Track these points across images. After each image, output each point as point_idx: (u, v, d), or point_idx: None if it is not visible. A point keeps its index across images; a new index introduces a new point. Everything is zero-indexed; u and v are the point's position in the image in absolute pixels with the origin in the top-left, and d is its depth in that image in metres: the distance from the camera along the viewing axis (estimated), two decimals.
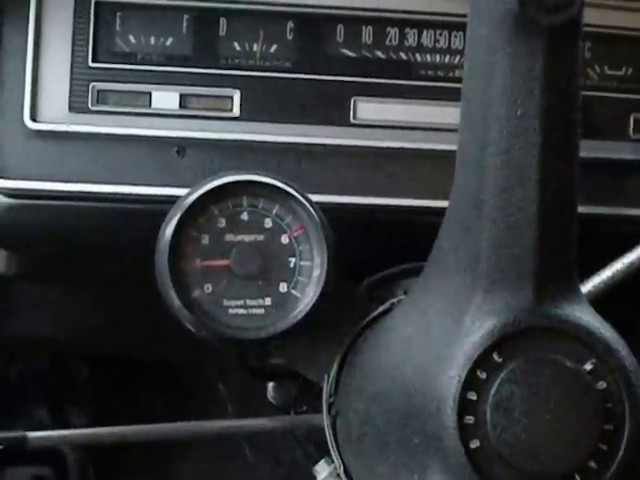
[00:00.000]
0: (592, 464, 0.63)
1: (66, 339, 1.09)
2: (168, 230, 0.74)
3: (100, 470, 1.32)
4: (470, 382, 0.63)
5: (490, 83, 0.63)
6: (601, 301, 0.78)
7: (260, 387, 1.07)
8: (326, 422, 0.77)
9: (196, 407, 1.28)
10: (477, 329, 0.64)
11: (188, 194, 0.76)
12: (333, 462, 0.77)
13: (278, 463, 1.34)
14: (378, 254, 0.91)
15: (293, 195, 0.76)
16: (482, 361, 0.63)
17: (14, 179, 0.88)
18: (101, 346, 1.12)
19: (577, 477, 0.63)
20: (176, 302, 0.74)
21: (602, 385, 0.64)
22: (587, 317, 0.66)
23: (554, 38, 0.60)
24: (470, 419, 0.63)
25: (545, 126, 0.62)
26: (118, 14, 0.90)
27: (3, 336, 1.08)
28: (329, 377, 0.77)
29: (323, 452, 0.82)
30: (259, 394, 1.07)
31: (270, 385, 1.03)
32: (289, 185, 0.76)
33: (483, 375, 0.63)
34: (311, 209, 0.76)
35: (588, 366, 0.64)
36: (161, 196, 0.88)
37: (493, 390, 0.63)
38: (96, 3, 0.89)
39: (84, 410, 1.31)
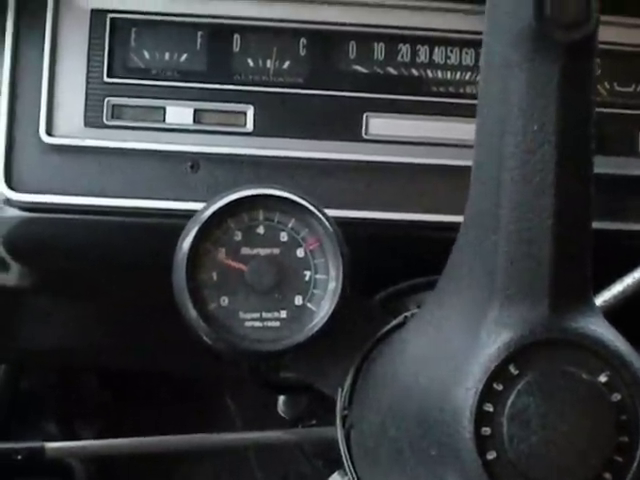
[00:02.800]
0: (607, 475, 0.63)
1: (76, 352, 1.09)
2: (185, 243, 0.75)
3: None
4: (487, 394, 0.64)
5: (506, 98, 0.64)
6: (613, 315, 0.78)
7: (269, 401, 1.07)
8: (340, 435, 0.77)
9: (207, 420, 1.28)
10: (493, 342, 0.65)
11: (205, 208, 0.76)
12: (346, 475, 0.78)
13: (286, 479, 1.35)
14: (391, 268, 0.92)
15: (309, 209, 0.77)
16: (498, 373, 0.64)
17: (29, 192, 0.89)
18: (111, 359, 1.13)
19: None
20: (193, 314, 0.75)
21: (617, 397, 0.65)
22: (602, 330, 0.66)
23: (570, 54, 0.61)
24: (487, 431, 0.63)
25: (561, 141, 0.63)
26: (133, 30, 0.91)
27: (13, 349, 1.08)
28: (343, 390, 0.78)
29: (332, 466, 0.83)
30: (268, 408, 1.07)
31: (281, 399, 1.03)
32: (305, 199, 0.77)
33: (499, 387, 0.64)
34: (327, 223, 0.77)
35: (603, 378, 0.65)
36: (174, 210, 0.89)
37: (509, 402, 0.63)
38: (111, 19, 0.90)
39: (93, 423, 1.32)
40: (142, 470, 1.31)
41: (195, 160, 0.90)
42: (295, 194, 0.77)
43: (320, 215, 0.77)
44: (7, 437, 1.05)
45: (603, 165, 0.90)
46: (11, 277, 0.95)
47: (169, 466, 1.36)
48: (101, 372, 1.31)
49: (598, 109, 0.91)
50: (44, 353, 1.09)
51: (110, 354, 1.10)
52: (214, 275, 0.76)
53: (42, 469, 1.22)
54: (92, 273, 0.96)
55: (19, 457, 0.77)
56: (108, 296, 1.00)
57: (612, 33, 0.93)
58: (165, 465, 1.36)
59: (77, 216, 0.90)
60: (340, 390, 0.78)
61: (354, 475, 0.77)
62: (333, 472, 0.82)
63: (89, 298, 1.01)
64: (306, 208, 0.77)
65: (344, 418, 0.78)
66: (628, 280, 0.83)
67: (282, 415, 1.03)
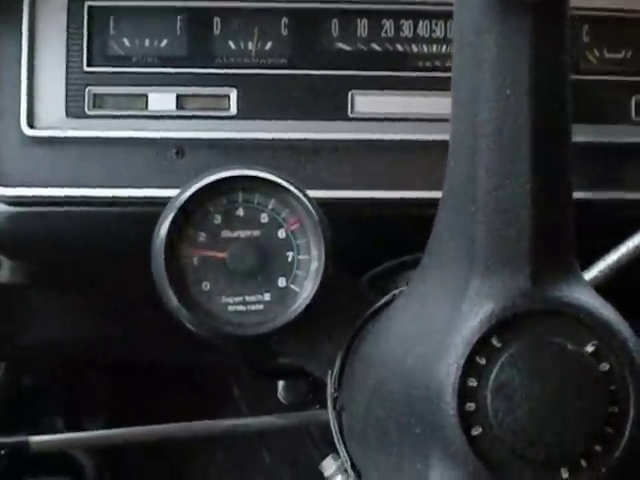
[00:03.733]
0: (597, 447, 0.62)
1: (77, 346, 1.09)
2: (163, 228, 0.74)
3: (118, 478, 1.32)
4: (469, 368, 0.62)
5: (478, 65, 0.62)
6: (608, 286, 0.77)
7: (272, 387, 1.06)
8: (331, 417, 0.76)
9: (211, 409, 1.27)
10: (475, 314, 0.63)
11: (182, 192, 0.75)
12: (340, 457, 0.77)
13: (295, 464, 1.34)
14: (380, 247, 0.90)
15: (288, 189, 0.75)
16: (481, 346, 0.62)
17: (13, 186, 0.88)
18: (113, 351, 1.12)
19: (582, 461, 0.62)
20: (174, 301, 0.73)
21: (605, 367, 0.63)
22: (587, 298, 0.65)
23: (540, 15, 0.60)
24: (471, 406, 0.62)
25: (535, 105, 0.61)
26: (111, 17, 0.89)
27: (14, 345, 1.07)
28: (333, 371, 0.77)
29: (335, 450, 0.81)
30: (271, 394, 1.06)
31: (280, 384, 1.02)
32: (283, 178, 0.76)
33: (482, 361, 0.62)
34: (307, 202, 0.75)
35: (590, 348, 0.63)
36: (161, 198, 0.87)
37: (493, 375, 0.62)
38: (89, 7, 0.89)
39: (100, 416, 1.31)
40: (152, 462, 1.31)
41: (180, 146, 0.89)
42: (273, 174, 0.76)
43: (300, 194, 0.75)
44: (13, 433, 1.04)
45: (596, 133, 0.89)
46: (2, 273, 0.94)
47: (180, 459, 1.36)
48: (105, 365, 1.30)
49: (589, 77, 0.91)
50: (40, 348, 1.08)
51: (106, 346, 1.09)
52: (194, 260, 0.74)
53: (53, 466, 1.22)
54: (82, 265, 0.95)
55: (2, 452, 0.76)
56: (100, 287, 1.00)
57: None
58: (176, 459, 1.35)
59: (63, 208, 0.89)
60: (330, 372, 0.77)
61: (346, 456, 0.75)
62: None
63: (81, 290, 1.01)
64: (285, 188, 0.75)
65: (335, 400, 0.76)
66: (623, 249, 0.81)
67: (282, 401, 1.02)
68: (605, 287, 0.74)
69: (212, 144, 0.89)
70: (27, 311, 1.03)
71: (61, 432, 1.20)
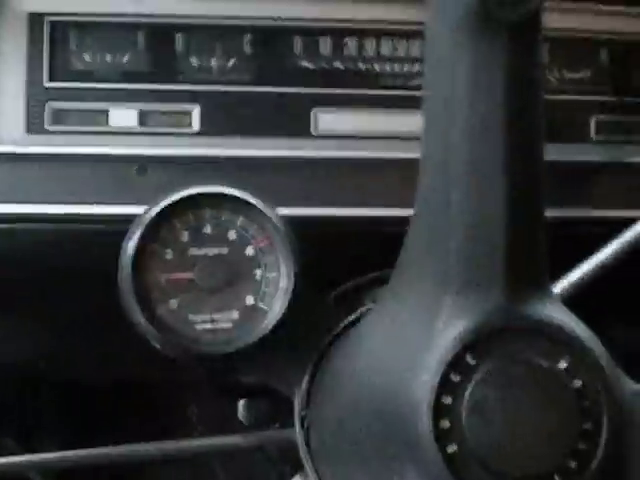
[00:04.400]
0: (571, 464, 0.62)
1: (32, 364, 1.07)
2: (130, 245, 0.73)
3: None
4: (444, 386, 0.62)
5: (452, 82, 0.62)
6: (572, 303, 0.77)
7: (231, 407, 1.05)
8: (299, 435, 0.76)
9: (168, 429, 1.25)
10: (449, 331, 0.63)
11: (149, 208, 0.74)
12: (307, 477, 0.76)
13: None
14: (346, 265, 0.90)
15: (256, 206, 0.75)
16: (455, 364, 0.62)
17: None
18: (69, 370, 1.10)
19: (557, 477, 0.62)
20: (140, 319, 0.72)
21: (578, 383, 0.63)
22: (560, 315, 0.65)
23: (515, 32, 0.60)
24: (446, 423, 0.62)
25: (509, 124, 0.62)
26: (72, 32, 0.88)
27: None
28: (300, 389, 0.76)
29: (298, 470, 0.81)
30: (230, 414, 1.05)
31: (240, 403, 1.01)
32: (251, 196, 0.75)
33: (457, 378, 0.62)
34: (275, 219, 0.75)
35: (563, 365, 0.63)
36: (123, 215, 0.86)
37: (468, 393, 0.62)
38: (50, 22, 0.88)
39: (53, 437, 1.29)
40: None
41: (142, 163, 0.88)
42: (240, 191, 0.75)
43: (268, 211, 0.75)
44: None
45: (557, 152, 0.89)
46: None
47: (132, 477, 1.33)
48: (60, 384, 1.28)
49: (549, 97, 0.92)
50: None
51: (67, 365, 1.08)
52: (161, 277, 0.73)
53: None
54: (41, 283, 0.93)
55: None
56: (58, 306, 0.98)
57: (559, 19, 0.92)
58: (128, 476, 1.33)
59: (22, 225, 0.88)
60: (297, 390, 0.76)
61: (315, 476, 0.75)
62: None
63: (39, 309, 0.99)
64: (253, 205, 0.75)
65: (303, 418, 0.76)
66: (586, 267, 0.82)
67: (242, 421, 1.01)
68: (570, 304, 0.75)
69: (174, 161, 0.88)
70: None
71: (14, 454, 1.18)
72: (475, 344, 0.63)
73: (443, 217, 0.64)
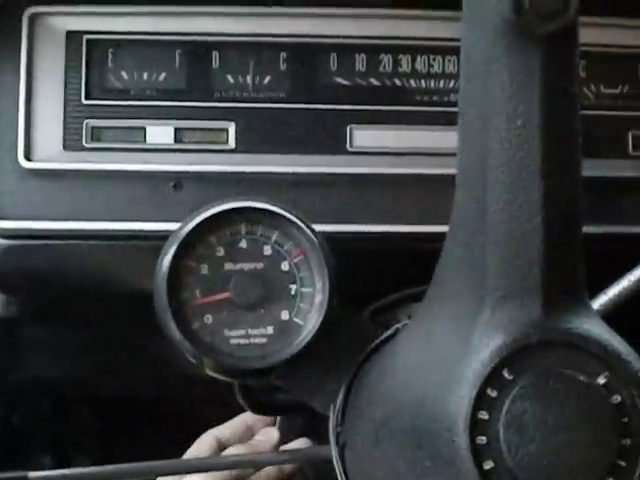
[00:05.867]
0: None
1: (67, 381, 1.07)
2: (165, 261, 0.73)
3: None
4: (481, 401, 0.61)
5: (488, 95, 0.62)
6: (610, 318, 0.76)
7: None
8: (334, 452, 0.75)
9: None
10: (485, 346, 0.62)
11: (184, 224, 0.75)
12: None
13: None
14: (381, 281, 0.90)
15: (291, 220, 0.75)
16: (492, 379, 0.62)
17: (10, 219, 0.87)
18: (104, 386, 1.11)
19: None
20: (177, 334, 0.72)
21: (617, 399, 0.62)
22: (598, 330, 0.64)
23: (551, 45, 0.59)
24: (482, 439, 0.61)
25: (546, 135, 0.61)
26: (110, 51, 0.90)
27: (4, 380, 1.06)
28: (335, 406, 0.76)
29: None
30: None
31: (278, 421, 1.01)
32: (287, 210, 0.75)
33: (494, 393, 0.62)
34: (310, 234, 0.75)
35: (601, 380, 0.62)
36: (159, 231, 0.87)
37: (505, 408, 0.61)
38: (87, 41, 0.89)
39: (88, 453, 1.29)
40: None
41: (178, 179, 0.89)
42: (276, 205, 0.75)
43: (303, 226, 0.75)
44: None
45: (593, 168, 0.89)
46: None
47: None
48: (94, 400, 1.28)
49: (586, 112, 0.91)
50: (32, 383, 1.07)
51: (102, 382, 1.08)
52: (197, 293, 0.74)
53: None
54: (76, 299, 0.94)
55: None
56: (94, 323, 0.99)
57: (595, 34, 0.92)
58: None
59: (60, 241, 0.89)
60: (332, 407, 0.76)
61: None
62: None
63: (74, 326, 0.99)
64: (288, 219, 0.75)
65: (338, 435, 0.75)
66: (624, 283, 0.81)
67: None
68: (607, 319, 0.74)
69: (210, 177, 0.89)
70: (21, 345, 1.01)
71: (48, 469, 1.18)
72: (512, 358, 0.62)
73: (479, 232, 0.64)
